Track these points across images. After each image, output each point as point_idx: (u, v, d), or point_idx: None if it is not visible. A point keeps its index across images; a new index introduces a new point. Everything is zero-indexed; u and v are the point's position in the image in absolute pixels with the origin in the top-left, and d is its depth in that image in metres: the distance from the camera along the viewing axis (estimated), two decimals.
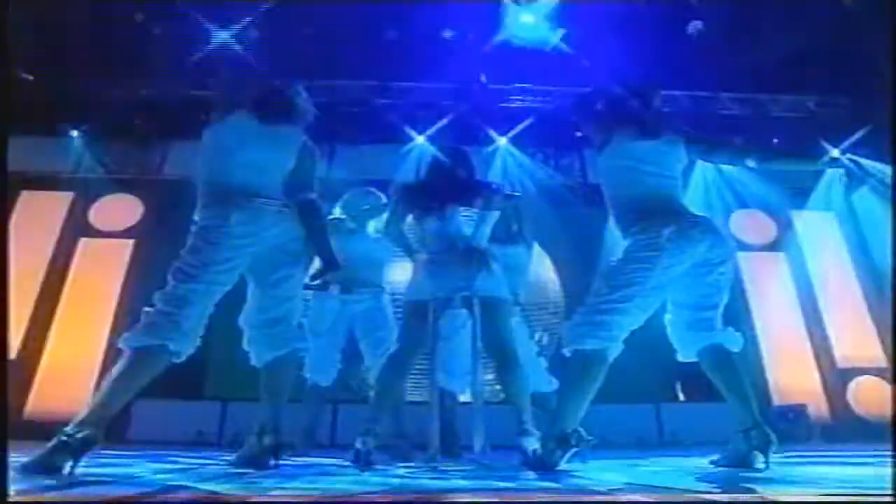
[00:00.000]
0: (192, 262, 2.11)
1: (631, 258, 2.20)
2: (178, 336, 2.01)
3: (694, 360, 2.31)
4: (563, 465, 2.03)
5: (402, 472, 2.16)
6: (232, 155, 2.29)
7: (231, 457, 2.32)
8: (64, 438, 1.77)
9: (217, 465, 2.40)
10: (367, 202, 3.57)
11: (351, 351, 3.48)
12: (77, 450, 1.77)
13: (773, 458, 2.12)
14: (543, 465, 2.05)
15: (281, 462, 2.21)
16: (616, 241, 2.39)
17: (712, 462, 2.26)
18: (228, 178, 2.25)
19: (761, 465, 2.08)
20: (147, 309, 2.05)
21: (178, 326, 2.01)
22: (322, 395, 3.52)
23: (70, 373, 5.52)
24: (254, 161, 2.29)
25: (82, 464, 1.80)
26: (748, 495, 1.44)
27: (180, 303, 2.04)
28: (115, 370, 1.97)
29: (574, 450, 2.04)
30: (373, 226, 3.56)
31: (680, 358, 2.37)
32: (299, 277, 2.35)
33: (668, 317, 2.36)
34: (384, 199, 3.50)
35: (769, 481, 1.77)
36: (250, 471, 2.04)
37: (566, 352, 2.20)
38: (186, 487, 1.61)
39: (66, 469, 1.74)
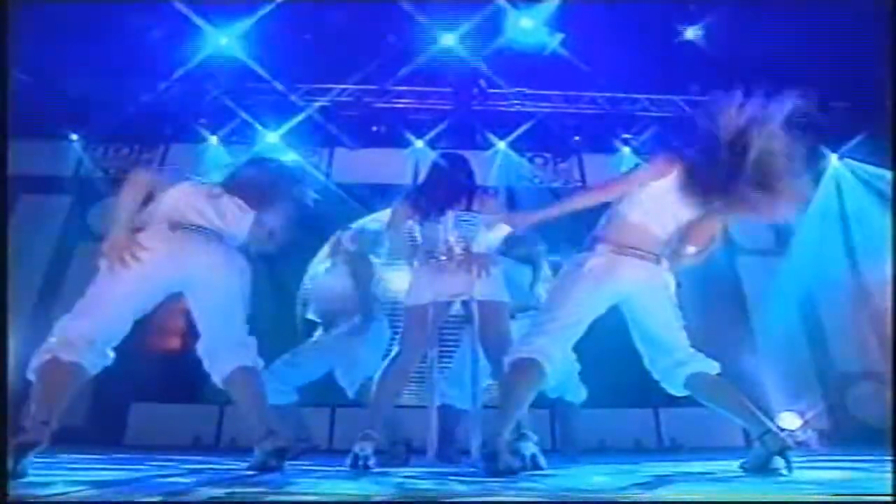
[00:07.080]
0: (109, 275, 2.16)
1: (556, 283, 2.35)
2: (89, 351, 2.03)
3: (685, 394, 2.26)
4: (503, 467, 1.97)
5: (400, 476, 2.15)
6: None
7: (229, 460, 2.31)
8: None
9: (214, 469, 2.39)
10: (365, 238, 3.40)
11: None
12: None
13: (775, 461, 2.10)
14: (489, 472, 1.99)
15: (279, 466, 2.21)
16: None
17: (740, 466, 2.21)
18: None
19: (784, 469, 2.01)
20: (61, 322, 2.07)
21: (85, 341, 2.03)
22: (297, 410, 3.28)
23: None
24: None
25: (82, 467, 1.79)
26: (748, 496, 1.44)
27: (89, 316, 2.07)
28: (36, 383, 1.99)
29: (510, 455, 2.02)
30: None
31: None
32: (240, 293, 2.36)
33: (645, 361, 2.34)
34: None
35: (769, 484, 1.77)
36: (251, 474, 2.04)
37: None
38: (184, 492, 1.60)
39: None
